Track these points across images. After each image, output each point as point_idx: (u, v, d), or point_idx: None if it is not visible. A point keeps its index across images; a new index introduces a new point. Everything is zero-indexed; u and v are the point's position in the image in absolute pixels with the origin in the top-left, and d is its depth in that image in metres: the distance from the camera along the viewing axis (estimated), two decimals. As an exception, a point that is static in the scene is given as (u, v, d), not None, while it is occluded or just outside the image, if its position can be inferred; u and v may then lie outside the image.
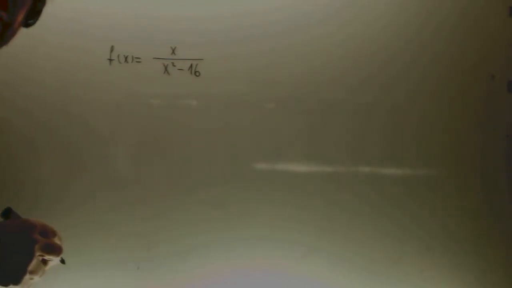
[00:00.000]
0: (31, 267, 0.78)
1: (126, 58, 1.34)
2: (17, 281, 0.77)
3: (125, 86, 1.34)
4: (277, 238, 1.35)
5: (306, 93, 1.35)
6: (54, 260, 0.84)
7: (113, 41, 1.33)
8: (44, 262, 0.83)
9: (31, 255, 0.78)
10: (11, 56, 1.31)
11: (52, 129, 1.34)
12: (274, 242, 1.35)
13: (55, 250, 0.82)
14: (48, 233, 0.83)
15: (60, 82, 1.34)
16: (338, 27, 1.34)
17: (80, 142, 1.34)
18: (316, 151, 1.36)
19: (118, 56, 1.34)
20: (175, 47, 1.34)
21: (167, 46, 1.34)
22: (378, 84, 1.35)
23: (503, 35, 1.34)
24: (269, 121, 1.35)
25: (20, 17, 0.69)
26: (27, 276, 0.78)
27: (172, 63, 1.35)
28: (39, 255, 0.80)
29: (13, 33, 0.70)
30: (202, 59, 1.35)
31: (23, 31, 0.76)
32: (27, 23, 0.72)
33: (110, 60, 1.34)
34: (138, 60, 1.34)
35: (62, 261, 0.88)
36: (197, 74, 1.35)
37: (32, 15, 0.72)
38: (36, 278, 0.81)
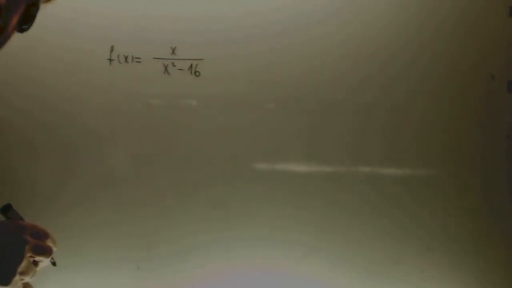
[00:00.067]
0: (21, 268, 0.79)
1: (126, 58, 1.34)
2: (7, 282, 0.77)
3: (125, 86, 1.34)
4: (277, 238, 1.35)
5: (306, 93, 1.35)
6: (44, 262, 0.84)
7: (113, 41, 1.33)
8: (35, 263, 0.83)
9: (21, 256, 0.78)
10: (11, 56, 1.31)
11: (51, 129, 1.34)
12: (274, 242, 1.35)
13: (45, 251, 0.83)
14: (40, 234, 0.83)
15: (60, 82, 1.34)
16: (338, 27, 1.34)
17: (80, 142, 1.34)
18: (316, 151, 1.36)
19: (118, 56, 1.34)
20: (175, 47, 1.34)
21: (167, 46, 1.34)
22: (378, 84, 1.35)
23: (503, 35, 1.34)
24: (269, 121, 1.35)
25: (14, 21, 0.69)
26: (17, 277, 0.78)
27: (172, 63, 1.35)
28: (30, 256, 0.80)
29: (7, 38, 0.70)
30: (202, 59, 1.35)
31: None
32: (21, 28, 0.72)
33: (110, 60, 1.34)
34: (138, 60, 1.34)
35: (53, 263, 0.88)
36: (197, 74, 1.35)
37: (26, 20, 0.71)
38: (27, 279, 0.81)
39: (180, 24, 1.34)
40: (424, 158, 1.36)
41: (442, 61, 1.35)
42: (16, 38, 0.77)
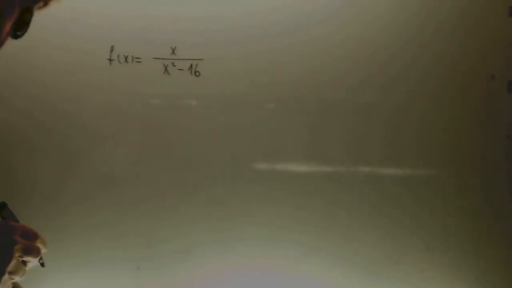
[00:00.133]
0: (10, 267, 0.79)
1: (126, 58, 1.34)
2: None
3: (125, 86, 1.34)
4: (277, 238, 1.35)
5: (306, 93, 1.35)
6: (33, 262, 0.86)
7: (113, 41, 1.33)
8: (25, 263, 0.84)
9: (10, 256, 0.79)
10: (11, 56, 1.31)
11: (51, 128, 1.34)
12: (274, 242, 1.35)
13: (33, 251, 0.84)
14: (29, 235, 0.84)
15: (60, 82, 1.34)
16: (338, 27, 1.34)
17: (80, 142, 1.35)
18: (316, 151, 1.36)
19: (118, 56, 1.34)
20: (175, 47, 1.34)
21: (167, 46, 1.34)
22: (378, 84, 1.35)
23: (503, 35, 1.34)
24: (269, 121, 1.35)
25: (7, 27, 0.68)
26: (6, 276, 0.79)
27: (172, 63, 1.35)
28: (19, 256, 0.81)
29: (0, 44, 0.70)
30: (202, 59, 1.35)
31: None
32: (15, 35, 0.72)
33: (110, 60, 1.34)
34: (138, 60, 1.34)
35: (42, 264, 0.89)
36: (197, 74, 1.35)
37: (20, 27, 0.71)
38: (16, 278, 0.82)
39: (180, 24, 1.34)
40: (424, 158, 1.36)
41: (442, 61, 1.35)
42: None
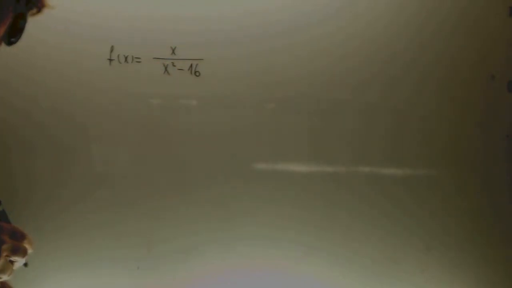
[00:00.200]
0: None
1: (126, 58, 1.34)
2: None
3: (125, 86, 1.34)
4: (277, 238, 1.35)
5: (306, 93, 1.35)
6: (19, 262, 0.87)
7: (113, 41, 1.33)
8: (12, 262, 0.86)
9: None
10: (11, 56, 1.31)
11: (51, 128, 1.34)
12: (274, 242, 1.35)
13: (21, 251, 0.85)
14: (17, 235, 0.86)
15: (60, 83, 1.34)
16: (338, 27, 1.34)
17: (80, 142, 1.35)
18: (316, 151, 1.36)
19: (118, 56, 1.34)
20: (175, 47, 1.34)
21: (167, 46, 1.34)
22: (378, 84, 1.35)
23: (503, 35, 1.34)
24: (269, 121, 1.35)
25: (1, 33, 0.69)
26: None
27: (172, 63, 1.35)
28: (6, 256, 0.82)
29: None
30: (202, 59, 1.35)
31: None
32: (9, 41, 0.72)
33: (110, 60, 1.34)
34: (138, 60, 1.34)
35: (25, 264, 0.91)
36: (197, 74, 1.35)
37: (14, 33, 0.71)
38: (4, 277, 0.84)
39: (180, 24, 1.34)
40: (424, 158, 1.36)
41: (442, 61, 1.35)
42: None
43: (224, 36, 1.34)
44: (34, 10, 0.73)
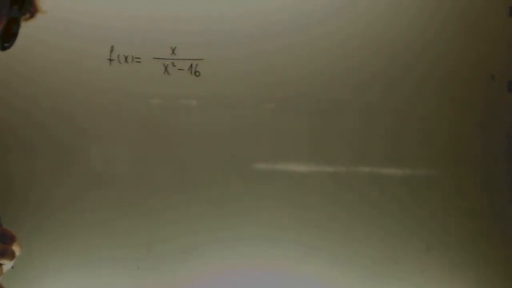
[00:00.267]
0: None
1: (126, 58, 1.34)
2: None
3: (125, 86, 1.34)
4: (277, 238, 1.35)
5: (306, 93, 1.35)
6: (8, 265, 0.87)
7: (113, 41, 1.33)
8: (0, 265, 0.86)
9: None
10: (10, 56, 1.31)
11: (51, 128, 1.34)
12: (274, 242, 1.35)
13: (8, 255, 0.86)
14: (6, 237, 0.86)
15: (60, 83, 1.34)
16: (338, 27, 1.34)
17: (80, 142, 1.35)
18: (316, 151, 1.36)
19: (118, 56, 1.34)
20: (175, 47, 1.34)
21: (167, 46, 1.34)
22: (378, 84, 1.35)
23: (503, 35, 1.34)
24: (269, 121, 1.35)
25: None
26: None
27: (172, 63, 1.35)
28: None
29: None
30: (202, 59, 1.35)
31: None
32: (3, 46, 0.72)
33: (110, 60, 1.34)
34: (138, 60, 1.34)
35: (12, 266, 0.91)
36: (197, 74, 1.35)
37: (8, 38, 0.72)
38: None
39: (180, 24, 1.34)
40: (424, 158, 1.36)
41: (442, 61, 1.35)
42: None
43: (224, 36, 1.34)
44: (27, 15, 0.74)
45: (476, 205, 1.35)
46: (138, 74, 1.34)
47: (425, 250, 1.35)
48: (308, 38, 1.34)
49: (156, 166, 1.36)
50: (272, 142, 1.36)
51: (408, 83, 1.35)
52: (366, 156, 1.36)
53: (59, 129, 1.34)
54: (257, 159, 1.36)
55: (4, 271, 0.86)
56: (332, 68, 1.35)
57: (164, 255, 1.34)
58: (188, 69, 1.35)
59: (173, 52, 1.34)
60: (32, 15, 0.74)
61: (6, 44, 0.72)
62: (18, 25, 0.72)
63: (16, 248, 0.87)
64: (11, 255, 0.85)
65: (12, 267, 0.91)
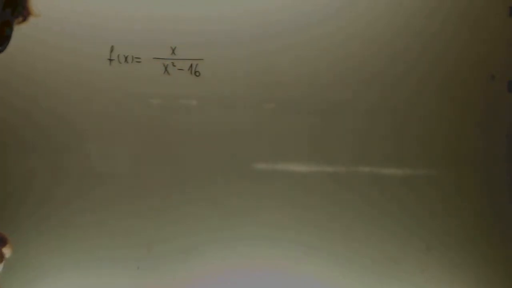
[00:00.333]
0: None
1: (126, 58, 1.34)
2: None
3: (125, 86, 1.34)
4: (277, 238, 1.35)
5: (306, 93, 1.35)
6: None
7: (113, 41, 1.33)
8: None
9: None
10: (10, 56, 1.31)
11: (51, 128, 1.34)
12: (274, 242, 1.35)
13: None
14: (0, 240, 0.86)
15: (60, 83, 1.34)
16: (338, 27, 1.34)
17: (80, 141, 1.35)
18: (316, 151, 1.36)
19: (118, 56, 1.34)
20: (175, 47, 1.34)
21: (167, 46, 1.34)
22: (378, 84, 1.35)
23: (503, 35, 1.34)
24: (269, 122, 1.35)
25: None
26: None
27: (172, 63, 1.35)
28: None
29: None
30: (202, 59, 1.35)
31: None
32: None
33: (110, 60, 1.34)
34: (138, 60, 1.34)
35: None
36: (197, 74, 1.35)
37: (1, 41, 0.72)
38: None
39: (180, 24, 1.34)
40: (424, 158, 1.36)
41: (442, 61, 1.35)
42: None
43: (224, 36, 1.34)
44: (20, 19, 0.74)
45: (476, 205, 1.35)
46: (138, 74, 1.34)
47: (425, 250, 1.35)
48: (308, 38, 1.34)
49: (156, 166, 1.36)
50: (272, 142, 1.36)
51: (408, 83, 1.35)
52: (366, 156, 1.36)
53: (59, 129, 1.34)
54: (257, 159, 1.36)
55: None
56: (332, 68, 1.35)
57: (164, 255, 1.34)
58: (188, 69, 1.35)
59: (173, 52, 1.34)
60: (25, 18, 0.74)
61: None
62: (11, 28, 0.72)
63: (6, 251, 0.87)
64: (1, 258, 0.86)
65: None
